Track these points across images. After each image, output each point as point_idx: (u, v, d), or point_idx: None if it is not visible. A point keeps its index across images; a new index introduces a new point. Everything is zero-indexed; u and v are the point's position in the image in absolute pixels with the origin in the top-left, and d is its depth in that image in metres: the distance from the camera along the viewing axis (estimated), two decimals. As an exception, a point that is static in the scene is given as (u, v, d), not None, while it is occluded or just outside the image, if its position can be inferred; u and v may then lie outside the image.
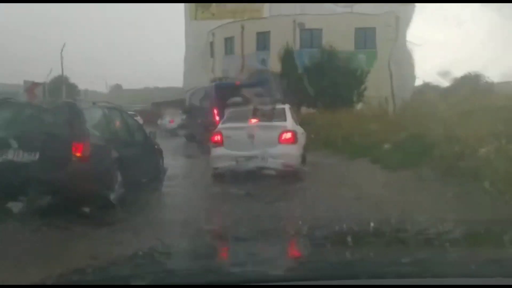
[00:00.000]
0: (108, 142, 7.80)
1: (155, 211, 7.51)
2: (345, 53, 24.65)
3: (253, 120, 10.13)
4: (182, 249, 2.52)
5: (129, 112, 12.53)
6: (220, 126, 10.68)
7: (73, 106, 7.85)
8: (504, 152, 7.22)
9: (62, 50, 29.37)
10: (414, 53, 35.26)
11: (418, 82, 29.97)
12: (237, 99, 12.64)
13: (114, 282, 1.76)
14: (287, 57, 25.32)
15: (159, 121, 28.10)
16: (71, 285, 1.85)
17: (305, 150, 11.13)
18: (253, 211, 6.58)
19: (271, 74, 20.73)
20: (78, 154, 6.88)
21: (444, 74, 25.54)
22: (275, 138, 9.86)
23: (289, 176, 9.49)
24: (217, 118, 13.14)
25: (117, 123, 8.75)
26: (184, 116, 22.32)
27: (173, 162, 12.10)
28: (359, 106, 22.59)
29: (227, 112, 11.30)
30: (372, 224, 2.54)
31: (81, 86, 40.87)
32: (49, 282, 1.87)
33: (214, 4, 28.88)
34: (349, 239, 2.21)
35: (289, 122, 10.68)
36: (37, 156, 6.75)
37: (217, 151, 10.02)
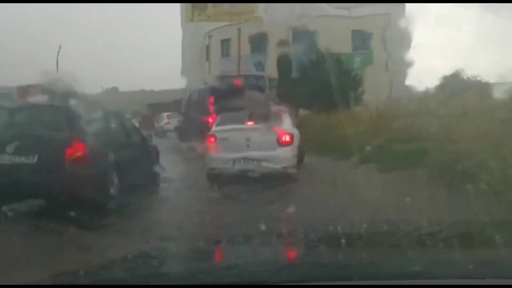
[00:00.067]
0: (105, 145, 7.80)
1: (150, 214, 7.50)
2: (341, 55, 24.70)
3: (249, 122, 10.14)
4: (176, 252, 2.53)
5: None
6: (215, 128, 10.69)
7: (70, 108, 7.86)
8: (500, 153, 7.25)
9: (58, 52, 29.32)
10: (410, 55, 35.43)
11: (413, 84, 30.11)
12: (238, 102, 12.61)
13: (110, 282, 1.77)
14: (284, 59, 25.35)
15: (155, 124, 27.98)
16: (71, 285, 1.86)
17: (301, 152, 11.14)
18: (247, 213, 6.58)
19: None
20: (74, 157, 6.89)
21: (439, 75, 25.63)
22: (272, 140, 9.87)
23: (284, 178, 9.51)
24: (212, 120, 13.14)
25: (114, 125, 8.76)
26: (180, 118, 22.27)
27: (169, 164, 12.08)
28: (355, 108, 22.63)
29: (223, 114, 11.30)
30: (365, 226, 2.56)
31: (77, 88, 40.75)
32: (48, 282, 1.88)
33: (210, 6, 28.87)
34: (342, 240, 2.22)
35: (286, 124, 10.70)
36: (34, 158, 6.75)
37: (213, 153, 10.02)
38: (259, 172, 9.56)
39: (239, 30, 28.35)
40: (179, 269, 1.98)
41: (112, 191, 7.46)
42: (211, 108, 14.81)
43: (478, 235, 2.40)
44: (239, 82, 20.85)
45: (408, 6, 36.32)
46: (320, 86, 21.93)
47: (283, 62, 25.17)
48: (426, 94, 18.28)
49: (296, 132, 11.20)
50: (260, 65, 25.72)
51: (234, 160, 9.68)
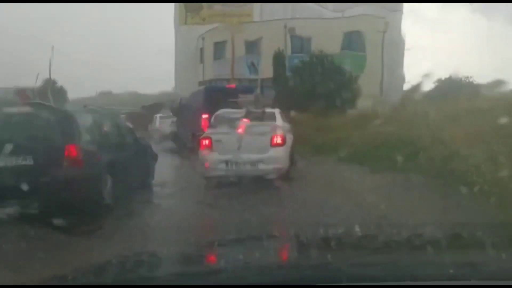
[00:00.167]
0: (99, 147, 7.79)
1: (141, 217, 7.48)
2: (334, 57, 24.76)
3: (242, 124, 10.16)
4: (171, 254, 2.53)
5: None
6: (209, 130, 10.72)
7: (64, 110, 7.85)
8: (492, 155, 7.30)
9: (52, 55, 29.13)
10: (403, 57, 35.59)
11: (407, 86, 30.19)
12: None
13: (105, 282, 1.79)
14: (278, 61, 25.39)
15: (149, 126, 27.84)
16: (70, 285, 1.87)
17: (294, 153, 11.19)
18: (239, 215, 6.60)
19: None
20: (69, 159, 6.89)
21: (433, 77, 25.75)
22: (265, 142, 9.91)
23: (278, 179, 9.58)
24: (206, 122, 13.14)
25: (107, 127, 8.74)
26: (173, 120, 22.20)
27: (162, 166, 12.07)
28: (349, 109, 22.67)
29: (217, 116, 11.32)
30: (356, 227, 2.57)
31: (70, 90, 40.70)
32: (48, 283, 1.89)
33: (204, 8, 28.77)
34: (332, 242, 2.23)
35: (279, 126, 10.72)
36: (29, 160, 6.75)
37: (206, 155, 10.04)
38: (252, 173, 9.62)
39: (232, 32, 28.33)
40: (168, 272, 1.99)
41: (105, 193, 7.45)
42: (204, 110, 14.79)
43: (467, 237, 2.41)
44: (232, 84, 20.88)
45: (404, 9, 36.54)
46: (313, 87, 22.01)
47: (277, 64, 25.21)
48: (419, 96, 18.37)
49: (288, 133, 11.24)
50: (253, 68, 25.70)
51: (227, 162, 9.72)
